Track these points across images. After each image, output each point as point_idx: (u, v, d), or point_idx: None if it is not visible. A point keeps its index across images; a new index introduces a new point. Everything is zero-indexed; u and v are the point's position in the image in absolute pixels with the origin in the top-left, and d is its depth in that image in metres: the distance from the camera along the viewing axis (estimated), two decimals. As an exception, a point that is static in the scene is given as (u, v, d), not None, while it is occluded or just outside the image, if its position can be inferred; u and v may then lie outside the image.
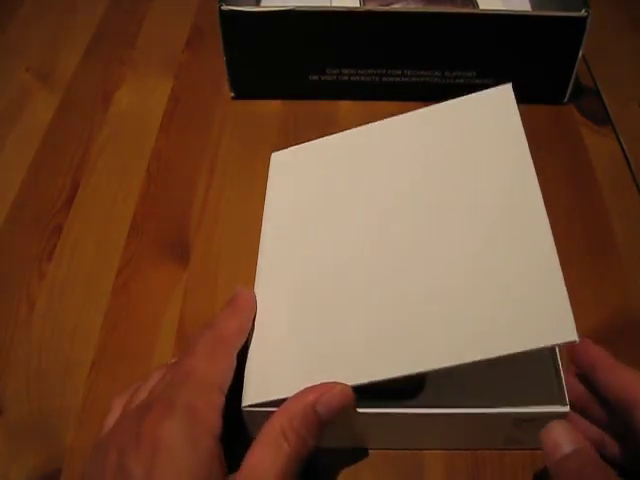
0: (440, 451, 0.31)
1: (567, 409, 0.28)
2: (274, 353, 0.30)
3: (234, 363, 0.28)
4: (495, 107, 0.36)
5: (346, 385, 0.27)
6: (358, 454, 0.31)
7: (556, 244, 0.36)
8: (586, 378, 0.30)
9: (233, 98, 0.49)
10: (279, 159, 0.40)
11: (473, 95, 0.37)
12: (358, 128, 0.38)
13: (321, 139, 0.39)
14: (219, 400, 0.27)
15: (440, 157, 0.35)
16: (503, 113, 0.35)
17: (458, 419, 0.29)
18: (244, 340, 0.30)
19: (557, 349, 0.30)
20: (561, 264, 0.37)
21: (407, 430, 0.30)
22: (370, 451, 0.31)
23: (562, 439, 0.26)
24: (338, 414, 0.27)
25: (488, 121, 0.35)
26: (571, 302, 0.35)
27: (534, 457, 0.30)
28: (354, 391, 0.28)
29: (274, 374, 0.29)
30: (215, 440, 0.26)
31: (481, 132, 0.35)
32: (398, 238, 0.32)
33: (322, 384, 0.27)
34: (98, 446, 0.27)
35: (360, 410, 0.28)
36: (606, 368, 0.29)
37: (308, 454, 0.26)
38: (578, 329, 0.34)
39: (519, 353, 0.26)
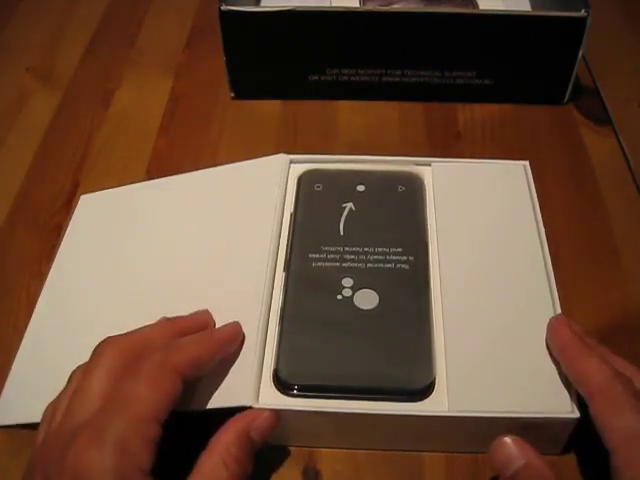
0: (440, 452, 0.31)
1: (577, 415, 0.28)
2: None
3: (178, 391, 0.27)
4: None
5: (272, 410, 0.28)
6: (358, 455, 0.31)
7: (556, 244, 0.36)
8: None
9: (233, 98, 0.49)
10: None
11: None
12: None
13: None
14: (155, 433, 0.25)
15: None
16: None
17: (466, 422, 0.28)
18: (198, 373, 0.28)
19: None
20: (561, 264, 0.37)
21: (415, 432, 0.30)
22: (370, 452, 0.31)
23: (513, 454, 0.26)
24: (267, 437, 0.28)
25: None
26: (571, 302, 0.35)
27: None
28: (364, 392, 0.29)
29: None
30: (144, 476, 0.24)
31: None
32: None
33: (250, 411, 0.28)
34: (29, 463, 0.26)
35: (369, 412, 0.28)
36: (572, 353, 0.28)
37: (246, 477, 0.27)
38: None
39: None
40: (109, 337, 0.28)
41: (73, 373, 0.28)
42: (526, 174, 0.38)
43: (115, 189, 0.41)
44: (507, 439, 0.27)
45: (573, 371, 0.28)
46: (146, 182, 0.42)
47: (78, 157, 0.45)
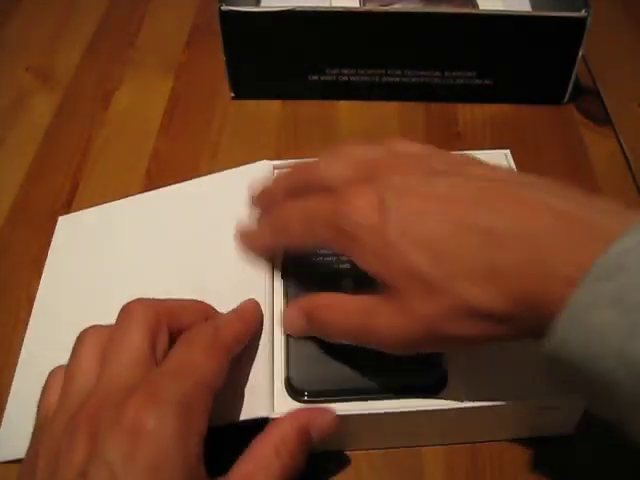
0: (440, 448, 0.31)
1: None
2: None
3: (227, 368, 0.27)
4: None
5: (334, 412, 0.28)
6: (359, 455, 0.31)
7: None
8: None
9: (233, 98, 0.49)
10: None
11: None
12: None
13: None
14: (210, 403, 0.25)
15: None
16: None
17: (483, 412, 0.29)
18: (239, 350, 0.29)
19: None
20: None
21: (434, 426, 0.30)
22: (371, 452, 0.31)
23: (295, 315, 0.30)
24: (324, 438, 0.27)
25: None
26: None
27: (534, 453, 0.30)
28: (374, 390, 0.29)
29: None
30: (203, 444, 0.24)
31: None
32: None
33: (314, 408, 0.28)
34: (52, 428, 0.24)
35: (388, 410, 0.28)
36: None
37: (296, 474, 0.26)
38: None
39: None
40: (137, 299, 0.28)
41: (85, 336, 0.27)
42: (508, 163, 0.38)
43: (94, 208, 0.41)
44: (286, 310, 0.30)
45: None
46: (127, 199, 0.41)
47: (78, 157, 0.45)
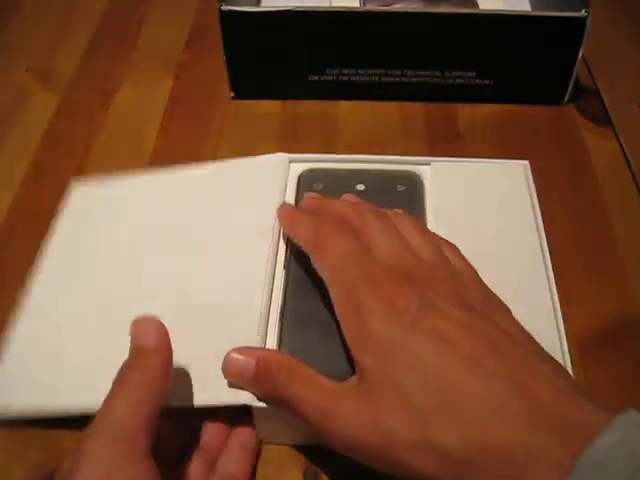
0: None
1: None
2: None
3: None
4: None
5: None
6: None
7: (556, 244, 0.36)
8: None
9: (233, 98, 0.49)
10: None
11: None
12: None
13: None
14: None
15: None
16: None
17: None
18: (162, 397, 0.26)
19: (565, 341, 0.30)
20: (561, 264, 0.37)
21: None
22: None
23: (242, 362, 0.28)
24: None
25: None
26: (571, 302, 0.35)
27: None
28: None
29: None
30: None
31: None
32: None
33: None
34: None
35: None
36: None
37: None
38: (577, 329, 0.35)
39: None
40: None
41: None
42: (526, 173, 0.38)
43: (108, 179, 0.41)
44: (231, 354, 0.28)
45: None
46: (142, 177, 0.41)
47: (78, 157, 0.45)
